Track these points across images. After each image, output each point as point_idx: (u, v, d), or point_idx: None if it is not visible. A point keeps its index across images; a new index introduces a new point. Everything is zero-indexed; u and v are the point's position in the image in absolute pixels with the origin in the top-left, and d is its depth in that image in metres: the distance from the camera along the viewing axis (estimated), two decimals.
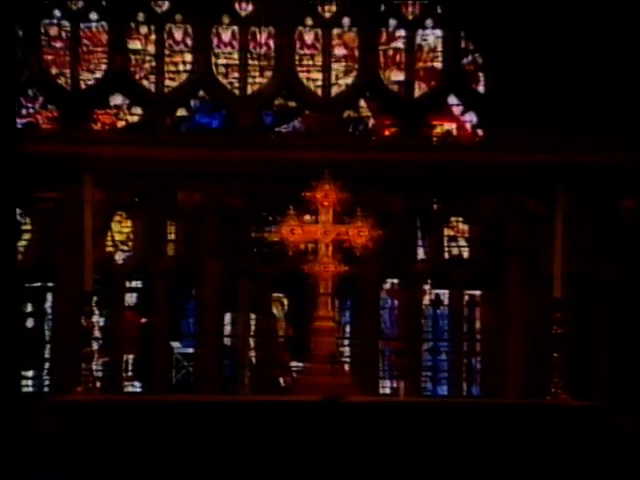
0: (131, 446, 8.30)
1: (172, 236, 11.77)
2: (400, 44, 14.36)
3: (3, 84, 11.90)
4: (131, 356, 12.10)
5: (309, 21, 14.27)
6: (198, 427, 8.40)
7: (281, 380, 11.19)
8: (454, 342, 12.82)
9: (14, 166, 10.55)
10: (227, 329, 11.79)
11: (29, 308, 11.99)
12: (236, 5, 14.21)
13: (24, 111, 14.06)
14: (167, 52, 14.22)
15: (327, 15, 14.30)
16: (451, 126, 14.31)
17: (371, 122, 14.31)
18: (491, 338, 12.58)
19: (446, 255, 12.84)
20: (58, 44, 14.12)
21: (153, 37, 14.25)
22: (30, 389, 11.71)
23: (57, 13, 14.11)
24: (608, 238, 10.07)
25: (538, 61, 13.70)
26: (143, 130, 13.93)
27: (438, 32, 14.33)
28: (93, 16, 14.13)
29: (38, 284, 11.65)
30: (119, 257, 12.21)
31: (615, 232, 10.08)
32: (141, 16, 14.18)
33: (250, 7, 14.25)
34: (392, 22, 14.34)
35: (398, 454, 8.31)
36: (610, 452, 8.42)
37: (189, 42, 14.29)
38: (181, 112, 14.20)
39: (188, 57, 14.28)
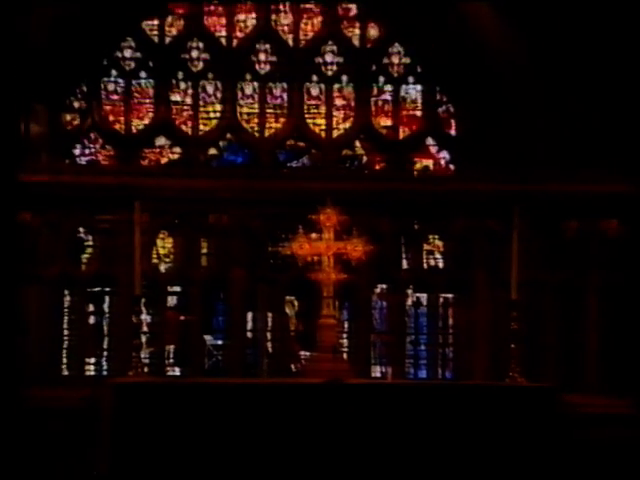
0: (173, 418, 8.30)
1: (205, 250, 11.72)
2: (388, 96, 14.40)
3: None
4: (172, 347, 12.06)
5: (315, 78, 14.32)
6: (226, 404, 8.39)
7: (292, 366, 11.15)
8: (431, 335, 12.74)
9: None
10: (249, 325, 11.75)
11: (91, 308, 11.98)
12: (256, 65, 14.27)
13: (87, 150, 14.11)
14: (201, 103, 14.28)
15: (329, 73, 14.35)
16: (429, 162, 14.34)
17: (364, 159, 14.34)
18: (461, 332, 12.49)
19: (425, 265, 12.76)
20: (114, 97, 14.17)
21: (190, 91, 14.31)
22: (92, 373, 11.69)
23: (114, 72, 14.18)
24: (554, 251, 10.06)
25: (497, 112, 13.77)
26: (182, 165, 13.97)
27: (418, 87, 14.37)
28: (142, 75, 14.20)
29: (98, 289, 11.62)
30: (162, 267, 12.19)
31: (559, 246, 10.06)
32: (180, 74, 14.24)
33: (267, 67, 14.31)
34: (381, 79, 14.39)
35: (385, 425, 8.30)
36: (557, 424, 8.37)
37: (219, 95, 14.33)
38: (212, 151, 14.24)
39: (218, 107, 14.32)
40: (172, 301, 12.31)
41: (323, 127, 14.35)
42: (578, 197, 9.95)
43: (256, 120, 14.31)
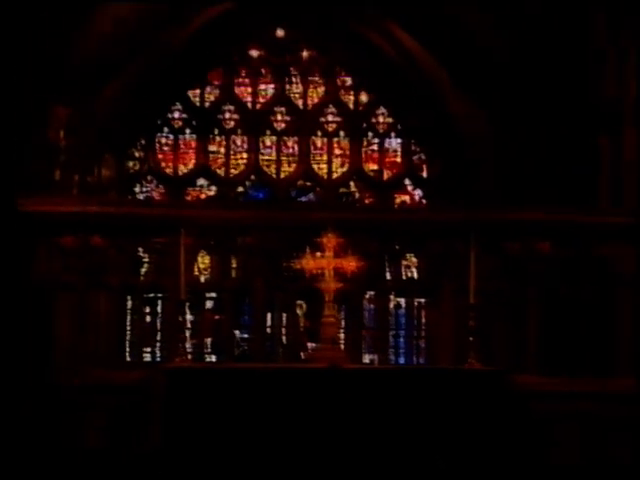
0: (211, 396, 8.23)
1: (234, 265, 11.71)
2: (375, 147, 14.44)
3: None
4: (209, 339, 12.10)
5: (319, 133, 14.38)
6: (252, 383, 8.35)
7: (302, 355, 11.08)
8: (408, 331, 12.82)
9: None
10: (268, 322, 11.73)
11: (147, 310, 11.99)
12: (274, 123, 14.31)
13: (144, 189, 14.16)
14: (232, 152, 14.33)
15: (330, 129, 14.40)
16: (406, 198, 14.39)
17: (357, 195, 14.37)
18: (431, 328, 12.51)
19: (403, 277, 12.79)
20: (166, 148, 14.22)
21: (223, 143, 14.36)
22: (148, 359, 11.70)
23: (165, 129, 14.26)
24: (502, 266, 10.01)
25: (458, 160, 13.80)
26: (216, 200, 14.00)
27: (398, 140, 14.44)
28: (187, 131, 14.28)
29: (152, 295, 11.64)
30: (202, 278, 12.17)
31: (505, 262, 10.01)
32: (216, 130, 14.30)
33: (283, 124, 14.35)
34: (370, 134, 14.44)
35: (373, 399, 8.26)
36: (506, 399, 8.30)
37: (245, 146, 14.39)
38: (240, 189, 14.29)
39: (244, 155, 14.38)
40: (209, 304, 12.36)
41: (325, 171, 14.39)
42: (519, 224, 9.78)
43: (274, 165, 14.36)
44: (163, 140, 14.24)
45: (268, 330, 12.16)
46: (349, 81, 14.47)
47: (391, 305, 12.93)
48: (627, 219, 9.45)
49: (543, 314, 9.71)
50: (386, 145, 14.42)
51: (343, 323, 11.71)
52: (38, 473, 8.26)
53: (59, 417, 8.68)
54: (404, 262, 13.32)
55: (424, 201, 14.29)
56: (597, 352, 9.26)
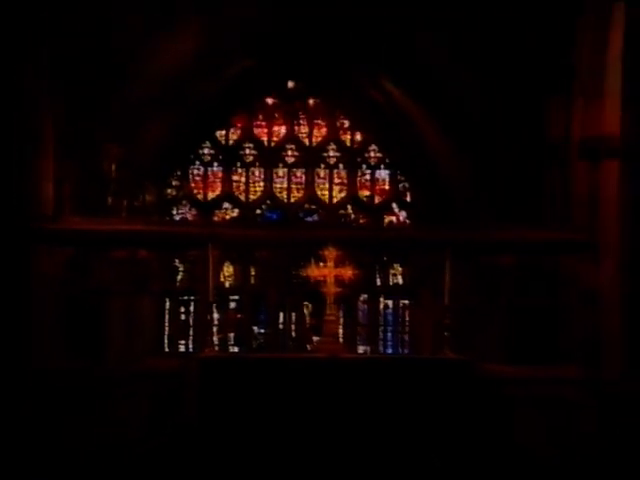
0: (236, 379, 8.20)
1: (252, 273, 11.77)
2: (367, 177, 14.35)
3: None
4: (232, 334, 12.06)
5: (322, 166, 14.31)
6: (269, 368, 8.35)
7: (308, 346, 11.04)
8: (394, 326, 12.75)
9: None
10: (280, 320, 11.74)
11: (182, 310, 11.96)
12: (286, 158, 14.26)
13: (180, 211, 14.11)
14: (251, 182, 14.23)
15: (331, 162, 14.31)
16: (393, 218, 14.27)
17: (353, 216, 14.29)
18: (413, 325, 12.52)
19: (390, 283, 12.80)
20: (197, 178, 14.15)
21: (244, 174, 14.28)
22: (182, 350, 11.66)
23: (197, 163, 14.18)
24: (472, 274, 9.96)
25: (436, 188, 13.74)
26: (238, 221, 13.93)
27: (387, 171, 14.32)
28: (215, 164, 14.18)
29: (186, 297, 11.63)
30: (226, 284, 12.22)
31: (475, 271, 9.95)
32: (238, 164, 14.23)
33: (292, 159, 14.30)
34: (364, 166, 14.35)
35: (365, 380, 8.23)
36: (474, 383, 8.24)
37: (262, 176, 14.29)
38: (257, 211, 14.19)
39: (261, 184, 14.24)
40: (232, 305, 12.32)
41: (327, 196, 14.27)
42: (487, 241, 9.75)
43: (285, 192, 14.25)
44: (195, 171, 14.16)
45: (280, 326, 12.13)
46: (347, 123, 14.40)
47: (381, 306, 12.93)
48: (579, 234, 9.37)
49: (507, 315, 9.66)
50: (377, 175, 14.33)
51: (342, 320, 11.69)
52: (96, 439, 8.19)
53: (111, 392, 8.64)
54: (391, 271, 13.32)
55: (408, 221, 14.19)
56: (550, 345, 9.19)
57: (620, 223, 8.78)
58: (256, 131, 14.32)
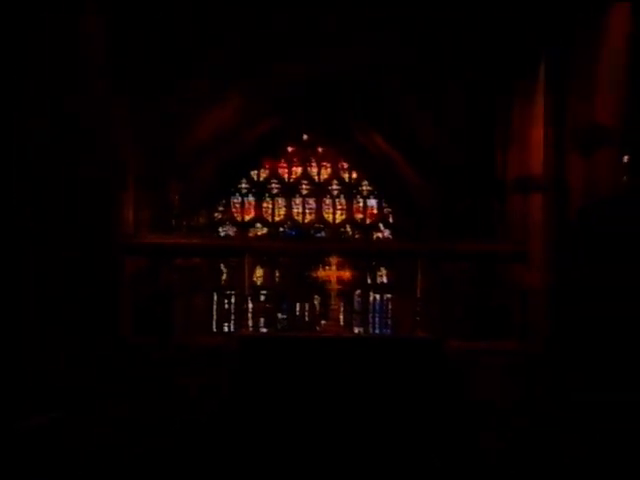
0: (267, 353, 8.15)
1: (277, 274, 11.72)
2: (361, 204, 14.43)
3: None
4: (262, 319, 11.85)
5: (327, 196, 14.39)
6: (289, 344, 8.38)
7: (317, 328, 10.91)
8: (380, 313, 12.70)
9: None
10: (297, 308, 11.68)
11: (225, 301, 11.84)
12: (301, 191, 14.33)
13: (224, 230, 14.11)
14: (275, 208, 14.31)
15: (335, 193, 14.41)
16: (380, 235, 14.34)
17: (350, 233, 14.35)
18: (395, 312, 12.46)
19: (378, 281, 12.81)
20: (237, 205, 14.23)
21: (271, 203, 14.37)
22: (226, 330, 11.39)
23: (237, 194, 14.26)
24: (438, 277, 9.77)
25: (412, 212, 13.73)
26: (267, 236, 13.99)
27: (375, 200, 14.38)
28: (250, 196, 14.25)
29: (229, 292, 11.35)
30: (258, 282, 12.13)
31: (441, 276, 9.75)
32: (266, 195, 14.33)
33: (306, 191, 14.38)
34: (358, 197, 14.42)
35: (359, 353, 8.20)
36: (443, 356, 8.12)
37: (284, 204, 14.39)
38: (280, 229, 14.27)
39: (283, 210, 14.37)
40: (262, 298, 12.23)
41: (331, 218, 14.35)
42: (449, 251, 9.73)
43: (301, 215, 14.33)
44: (235, 200, 14.17)
45: (297, 313, 12.17)
46: (346, 165, 14.42)
47: (370, 298, 12.93)
48: (515, 246, 9.44)
49: (464, 304, 9.62)
50: (368, 203, 14.37)
51: (342, 309, 11.69)
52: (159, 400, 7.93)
53: (175, 360, 8.58)
54: (379, 272, 13.33)
55: (391, 237, 14.26)
56: (495, 326, 9.18)
57: (544, 239, 8.80)
58: (280, 171, 14.42)
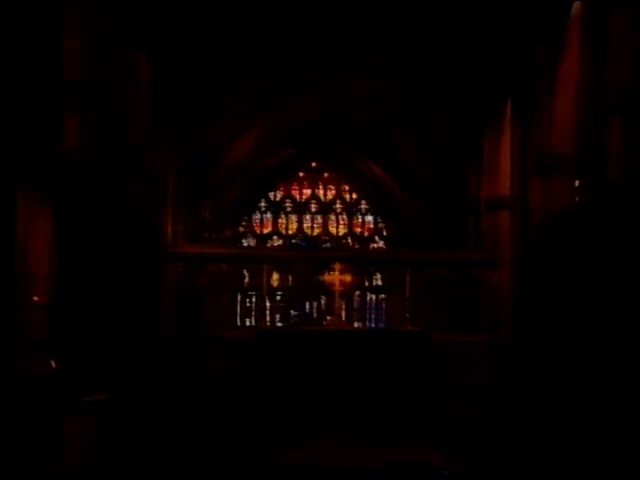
0: (283, 344, 8.07)
1: (290, 278, 11.71)
2: (360, 220, 14.51)
3: None
4: (278, 315, 11.83)
5: (332, 213, 14.44)
6: (300, 335, 8.38)
7: (324, 323, 10.83)
8: (376, 311, 12.73)
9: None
10: (307, 307, 11.64)
11: (248, 300, 11.61)
12: (311, 209, 14.42)
13: (247, 241, 14.18)
14: (289, 224, 14.38)
15: (338, 211, 14.47)
16: (376, 245, 14.40)
17: (351, 244, 14.40)
18: (389, 310, 12.46)
19: (374, 284, 12.83)
20: (257, 221, 14.30)
21: (285, 219, 14.44)
22: (248, 324, 11.43)
23: (257, 212, 14.32)
24: (427, 278, 9.44)
25: (402, 227, 13.71)
26: (282, 247, 14.04)
27: (371, 217, 14.46)
28: (267, 214, 14.33)
29: (250, 292, 11.35)
30: (275, 284, 12.14)
31: (426, 277, 9.43)
32: (282, 213, 14.38)
33: (314, 209, 14.46)
34: (358, 214, 14.44)
35: (357, 344, 8.17)
36: (428, 346, 8.08)
37: (296, 219, 14.47)
38: (293, 241, 14.34)
39: (295, 224, 14.46)
40: (278, 297, 12.20)
41: (335, 232, 14.39)
42: (433, 259, 9.61)
43: (310, 229, 14.42)
44: (255, 217, 14.31)
45: (307, 310, 12.19)
46: (347, 187, 14.58)
47: (368, 298, 12.95)
48: (487, 255, 9.44)
49: (445, 303, 9.46)
50: (365, 219, 14.54)
51: (344, 307, 11.70)
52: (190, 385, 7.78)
53: (203, 349, 8.48)
54: (375, 277, 13.37)
55: (384, 247, 14.35)
56: (471, 322, 9.11)
57: (510, 248, 8.80)
58: (292, 192, 14.51)
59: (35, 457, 4.18)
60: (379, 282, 12.84)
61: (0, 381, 3.94)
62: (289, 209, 14.40)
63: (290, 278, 11.71)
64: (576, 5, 6.84)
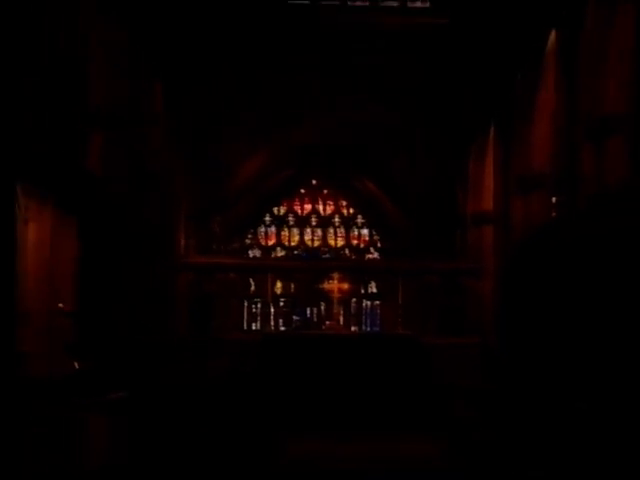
0: (285, 346, 8.02)
1: (292, 286, 11.67)
2: (356, 233, 14.48)
3: None
4: (281, 320, 11.77)
5: (331, 227, 14.37)
6: (301, 339, 8.35)
7: (323, 327, 10.76)
8: (371, 316, 12.66)
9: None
10: (307, 312, 11.62)
11: (253, 306, 11.57)
12: (311, 222, 14.41)
13: (253, 252, 14.05)
14: (291, 237, 14.26)
15: (336, 225, 14.43)
16: (371, 256, 14.36)
17: (348, 255, 14.38)
18: (383, 316, 12.39)
19: (369, 291, 12.77)
20: (262, 234, 14.14)
21: (288, 232, 14.36)
22: (253, 328, 11.41)
23: (262, 225, 14.26)
24: (419, 286, 9.45)
25: (396, 239, 13.61)
26: (285, 257, 13.96)
27: (367, 230, 14.41)
28: (272, 227, 14.25)
29: (255, 299, 11.22)
30: (278, 291, 12.07)
31: (420, 284, 9.44)
32: (285, 226, 14.34)
33: (315, 223, 14.45)
34: (354, 227, 14.43)
35: (353, 346, 8.13)
36: (418, 349, 7.96)
37: (297, 232, 14.43)
38: (295, 252, 14.27)
39: (297, 237, 14.40)
40: (281, 304, 12.19)
41: (334, 244, 14.33)
42: (424, 268, 9.61)
43: (311, 241, 14.39)
44: (261, 230, 14.21)
45: (308, 315, 12.13)
46: (344, 203, 14.54)
47: (364, 305, 12.94)
48: (473, 265, 9.44)
49: (436, 309, 9.40)
50: (361, 232, 14.48)
51: (342, 313, 11.64)
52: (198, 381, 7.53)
53: (210, 349, 8.37)
54: (370, 285, 13.34)
55: (379, 257, 14.34)
56: (459, 326, 9.12)
57: (494, 259, 8.82)
58: (295, 208, 14.45)
59: (53, 454, 4.17)
60: (374, 290, 12.85)
61: (15, 382, 3.93)
62: (291, 223, 14.38)
63: (292, 286, 11.73)
64: (552, 37, 6.90)
